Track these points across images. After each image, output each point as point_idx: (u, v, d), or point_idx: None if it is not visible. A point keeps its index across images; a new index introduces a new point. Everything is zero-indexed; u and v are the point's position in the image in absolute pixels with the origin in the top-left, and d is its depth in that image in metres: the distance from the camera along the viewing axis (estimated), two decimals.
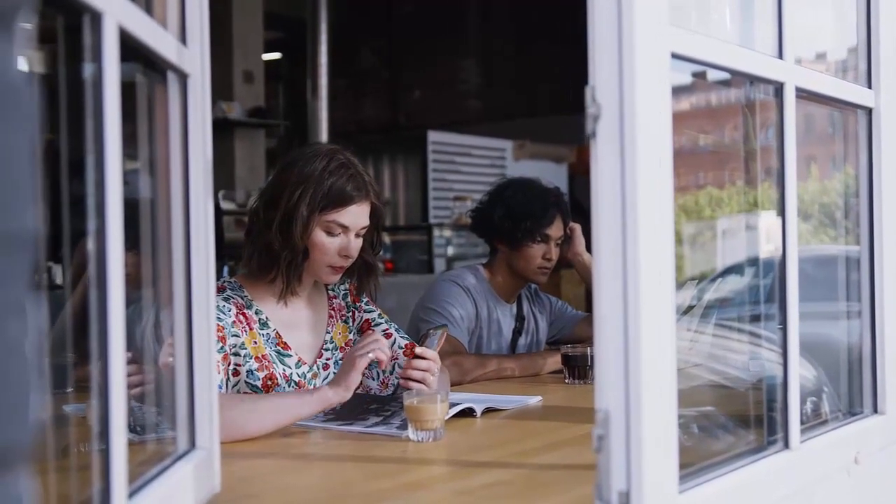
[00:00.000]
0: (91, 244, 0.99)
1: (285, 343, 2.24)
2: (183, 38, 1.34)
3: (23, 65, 0.62)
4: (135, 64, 1.21)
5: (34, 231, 0.59)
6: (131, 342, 1.07)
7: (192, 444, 1.37)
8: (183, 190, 1.35)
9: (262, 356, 2.18)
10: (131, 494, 1.07)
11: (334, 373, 2.29)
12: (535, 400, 2.35)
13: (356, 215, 2.20)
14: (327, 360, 2.32)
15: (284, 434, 1.92)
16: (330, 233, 2.19)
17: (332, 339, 2.35)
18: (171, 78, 1.33)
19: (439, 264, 7.28)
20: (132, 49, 1.11)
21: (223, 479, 1.44)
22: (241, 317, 2.17)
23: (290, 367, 2.22)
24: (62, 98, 1.05)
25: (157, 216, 1.34)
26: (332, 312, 2.37)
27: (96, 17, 0.98)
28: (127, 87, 1.05)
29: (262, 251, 2.20)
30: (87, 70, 1.00)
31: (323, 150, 2.22)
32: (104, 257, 0.99)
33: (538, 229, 2.96)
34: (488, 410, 2.18)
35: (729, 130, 1.99)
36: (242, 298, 2.22)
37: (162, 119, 1.34)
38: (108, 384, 0.99)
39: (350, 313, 2.40)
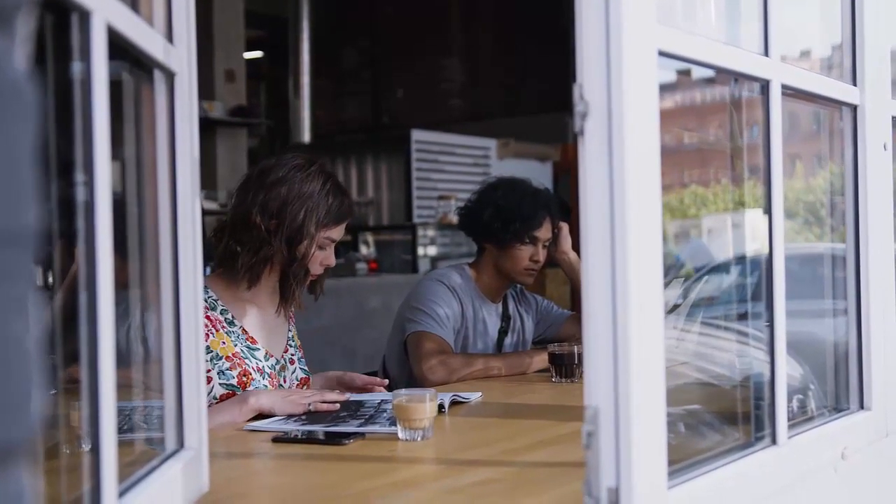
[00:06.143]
0: (79, 245, 0.99)
1: (252, 338, 2.29)
2: (170, 37, 1.34)
3: (23, 63, 0.61)
4: (121, 62, 1.21)
5: (36, 229, 0.59)
6: (116, 343, 1.07)
7: (181, 443, 1.36)
8: (170, 189, 1.35)
9: (233, 354, 2.22)
10: (121, 494, 1.07)
11: (301, 368, 2.41)
12: (475, 396, 2.36)
13: (343, 230, 2.33)
14: (292, 355, 2.41)
15: (273, 435, 1.91)
16: (322, 247, 2.28)
17: (292, 336, 2.44)
18: (158, 77, 1.32)
19: (423, 264, 7.27)
20: (118, 47, 1.10)
21: (211, 479, 1.43)
22: (205, 320, 2.18)
23: (260, 361, 2.28)
24: (48, 97, 1.04)
25: (143, 216, 1.34)
26: (291, 314, 2.46)
27: (85, 16, 0.97)
28: (112, 86, 1.04)
29: (262, 262, 2.24)
30: (75, 68, 0.99)
31: (315, 168, 2.29)
32: (93, 259, 0.98)
33: (527, 231, 2.95)
34: (454, 403, 2.23)
35: (713, 128, 1.99)
36: (206, 300, 2.23)
37: (148, 118, 1.33)
38: (98, 385, 0.99)
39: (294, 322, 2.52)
